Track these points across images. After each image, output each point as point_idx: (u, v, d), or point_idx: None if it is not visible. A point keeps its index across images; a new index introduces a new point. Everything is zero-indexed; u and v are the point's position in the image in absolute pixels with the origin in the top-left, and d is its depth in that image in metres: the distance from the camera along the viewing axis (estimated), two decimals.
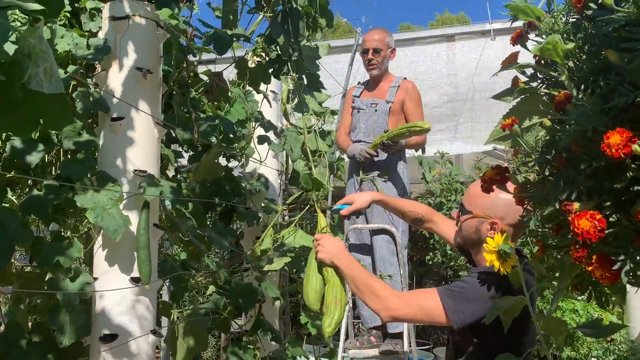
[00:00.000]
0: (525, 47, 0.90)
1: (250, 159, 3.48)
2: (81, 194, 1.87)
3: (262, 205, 3.29)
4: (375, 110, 3.25)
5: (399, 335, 3.10)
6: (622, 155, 0.62)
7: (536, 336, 1.56)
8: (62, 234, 2.05)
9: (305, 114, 2.74)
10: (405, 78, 3.42)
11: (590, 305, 2.69)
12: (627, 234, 0.68)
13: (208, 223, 2.95)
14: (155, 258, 2.08)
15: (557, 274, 0.90)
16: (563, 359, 2.62)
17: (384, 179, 3.21)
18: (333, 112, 4.15)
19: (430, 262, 4.86)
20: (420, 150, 4.54)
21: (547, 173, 0.76)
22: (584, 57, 0.78)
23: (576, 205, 0.70)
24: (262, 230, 3.35)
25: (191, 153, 2.83)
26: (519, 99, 0.93)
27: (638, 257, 0.67)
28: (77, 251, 1.92)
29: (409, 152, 3.79)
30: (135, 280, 1.99)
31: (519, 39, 0.88)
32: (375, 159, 3.16)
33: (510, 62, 0.87)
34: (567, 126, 0.73)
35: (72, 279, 1.92)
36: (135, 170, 2.04)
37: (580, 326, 1.12)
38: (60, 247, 1.91)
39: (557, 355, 3.38)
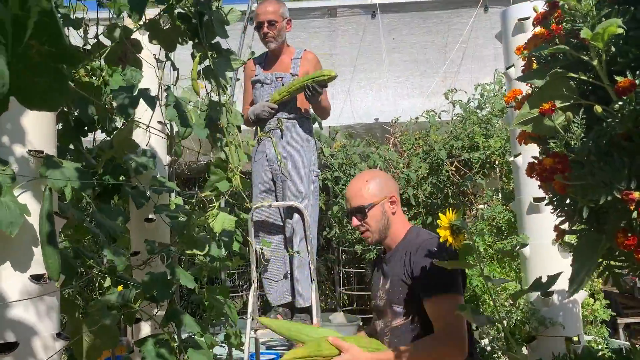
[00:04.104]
0: (547, 27, 0.87)
1: (144, 128, 3.16)
2: None
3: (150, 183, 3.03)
4: (282, 85, 3.15)
5: (307, 310, 3.10)
6: None
7: None
8: None
9: (214, 85, 2.54)
10: (305, 49, 3.36)
11: (495, 270, 2.92)
12: None
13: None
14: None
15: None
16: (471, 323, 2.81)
17: (278, 124, 3.14)
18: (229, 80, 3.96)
19: (327, 237, 4.93)
20: (317, 125, 4.55)
21: (592, 160, 0.75)
22: (621, 41, 0.78)
23: (637, 194, 0.69)
24: (153, 211, 3.10)
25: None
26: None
27: None
28: None
29: None
30: (36, 278, 1.72)
31: (544, 20, 0.85)
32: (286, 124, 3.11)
33: (535, 44, 0.85)
34: (618, 114, 0.72)
35: None
36: (31, 151, 1.74)
37: (529, 288, 1.21)
38: None
39: None
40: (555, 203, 0.84)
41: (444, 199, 4.32)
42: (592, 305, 2.97)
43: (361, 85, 6.34)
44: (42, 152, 1.76)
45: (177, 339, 2.25)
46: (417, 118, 5.01)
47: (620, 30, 0.75)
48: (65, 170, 1.77)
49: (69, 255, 2.29)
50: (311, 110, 3.32)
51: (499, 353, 2.63)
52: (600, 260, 0.90)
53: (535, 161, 0.82)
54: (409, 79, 6.46)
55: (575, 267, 0.89)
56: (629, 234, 0.74)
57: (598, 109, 0.74)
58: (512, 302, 2.58)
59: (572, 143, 0.78)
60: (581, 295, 2.55)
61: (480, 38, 6.17)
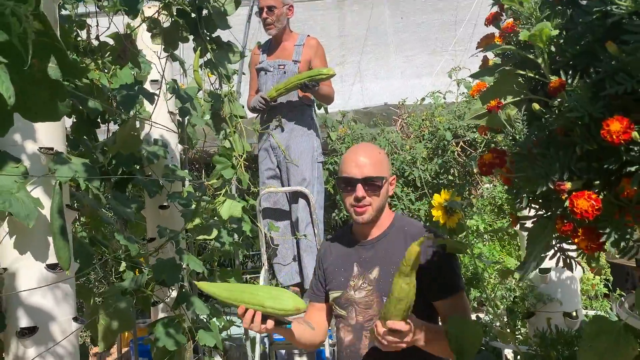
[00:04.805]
0: (498, 27, 0.93)
1: (148, 123, 3.27)
2: None
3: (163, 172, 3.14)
4: (285, 72, 3.21)
5: None
6: (622, 142, 0.68)
7: None
8: None
9: (216, 76, 2.63)
10: (308, 35, 3.39)
11: (494, 250, 2.98)
12: (611, 209, 0.76)
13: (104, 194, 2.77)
14: (71, 241, 1.92)
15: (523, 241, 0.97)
16: (471, 300, 2.91)
17: (277, 121, 3.20)
18: (234, 72, 4.03)
19: (336, 218, 5.04)
20: (323, 110, 4.61)
21: (533, 153, 0.81)
22: (562, 41, 0.83)
23: (568, 184, 0.76)
24: (166, 199, 3.21)
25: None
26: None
27: (622, 229, 0.75)
28: None
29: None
30: (51, 267, 1.84)
31: (494, 20, 0.91)
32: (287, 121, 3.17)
33: (487, 43, 0.91)
34: (556, 110, 0.78)
35: None
36: (41, 148, 1.84)
37: (517, 269, 1.21)
38: None
39: None
40: (507, 192, 0.91)
41: (449, 179, 4.37)
42: (592, 280, 3.03)
43: (370, 66, 6.35)
44: (52, 149, 1.87)
45: (188, 321, 2.37)
46: (423, 99, 5.04)
47: (555, 32, 0.80)
48: (73, 165, 1.87)
49: (86, 243, 2.41)
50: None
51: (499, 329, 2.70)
52: (553, 243, 0.97)
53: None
54: (418, 58, 6.45)
55: (528, 250, 0.96)
56: (565, 221, 0.80)
57: (535, 106, 0.80)
58: (515, 281, 2.65)
59: (517, 137, 0.85)
60: (579, 271, 2.61)
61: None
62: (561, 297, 2.49)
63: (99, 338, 2.24)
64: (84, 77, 2.44)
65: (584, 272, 2.96)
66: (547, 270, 2.48)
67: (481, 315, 3.17)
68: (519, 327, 2.52)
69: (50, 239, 1.84)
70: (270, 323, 1.50)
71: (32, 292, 1.80)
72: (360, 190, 1.64)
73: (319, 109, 4.04)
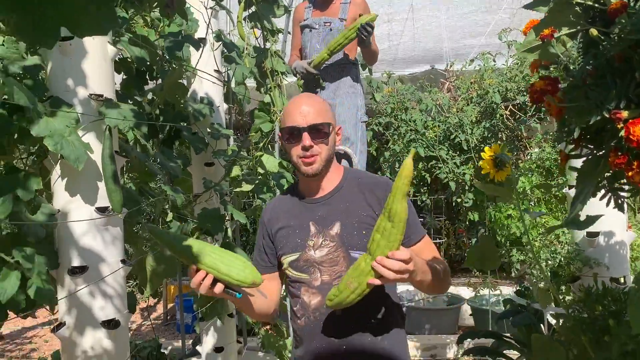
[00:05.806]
0: None
1: (195, 72, 3.29)
2: (35, 122, 1.72)
3: (209, 130, 3.18)
4: (330, 30, 3.16)
5: None
6: None
7: None
8: (16, 165, 1.90)
9: (261, 30, 2.62)
10: None
11: (539, 210, 2.91)
12: None
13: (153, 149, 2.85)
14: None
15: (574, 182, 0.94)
16: (513, 262, 2.87)
17: (321, 84, 3.15)
18: (278, 30, 4.00)
19: None
20: (368, 71, 4.54)
21: (588, 83, 0.77)
22: None
23: (625, 113, 0.72)
24: (211, 156, 3.27)
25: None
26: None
27: None
28: (36, 183, 1.79)
29: None
30: (101, 210, 1.91)
31: None
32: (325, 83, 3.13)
33: None
34: (615, 36, 0.74)
35: (32, 212, 1.81)
36: (91, 95, 1.90)
37: (565, 222, 1.17)
38: (17, 179, 1.77)
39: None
40: (558, 126, 0.87)
41: (498, 144, 4.23)
42: None
43: (420, 24, 6.14)
44: (101, 95, 1.92)
45: None
46: (472, 60, 4.88)
47: None
48: (122, 111, 1.92)
49: (134, 191, 2.49)
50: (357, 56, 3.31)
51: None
52: (603, 183, 0.93)
53: None
54: (472, 15, 6.16)
55: (578, 189, 0.93)
56: (620, 153, 0.77)
57: (593, 31, 0.75)
58: (560, 245, 2.58)
59: (571, 67, 0.81)
60: (630, 236, 2.51)
61: None
62: (608, 262, 2.41)
63: (146, 281, 2.33)
64: (132, 32, 2.49)
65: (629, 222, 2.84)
66: (596, 234, 2.40)
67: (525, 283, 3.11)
68: (562, 291, 2.47)
69: (99, 183, 1.91)
70: (219, 287, 1.41)
71: (83, 233, 1.88)
72: (307, 139, 1.58)
73: (364, 69, 3.96)
